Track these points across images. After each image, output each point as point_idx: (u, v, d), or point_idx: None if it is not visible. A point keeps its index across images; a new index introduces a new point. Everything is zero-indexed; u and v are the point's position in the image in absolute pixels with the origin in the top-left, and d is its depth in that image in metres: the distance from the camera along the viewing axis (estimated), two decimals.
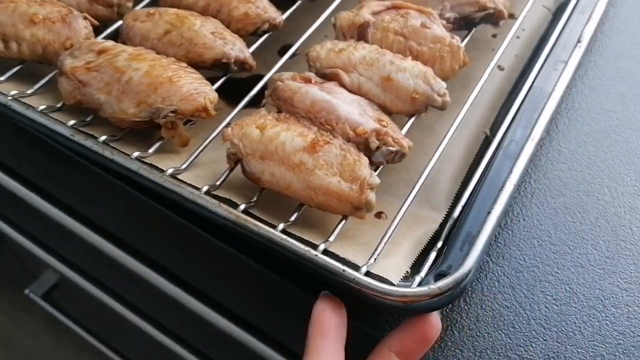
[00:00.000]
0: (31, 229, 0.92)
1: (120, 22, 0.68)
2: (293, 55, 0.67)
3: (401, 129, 0.58)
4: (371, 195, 0.50)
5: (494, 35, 0.76)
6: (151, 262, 0.68)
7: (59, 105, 0.60)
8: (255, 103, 0.63)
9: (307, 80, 0.59)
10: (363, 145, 0.53)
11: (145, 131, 0.58)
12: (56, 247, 0.91)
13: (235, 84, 0.65)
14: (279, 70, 0.64)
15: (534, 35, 0.77)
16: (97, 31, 0.67)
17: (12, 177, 0.75)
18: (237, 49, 0.62)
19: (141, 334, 0.87)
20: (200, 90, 0.57)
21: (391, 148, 0.53)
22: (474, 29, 0.69)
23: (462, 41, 0.66)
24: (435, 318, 0.46)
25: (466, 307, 0.54)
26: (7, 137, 0.70)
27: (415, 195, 0.53)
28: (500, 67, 0.72)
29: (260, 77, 0.65)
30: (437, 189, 0.60)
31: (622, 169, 0.65)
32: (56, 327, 1.48)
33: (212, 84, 0.60)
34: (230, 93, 0.65)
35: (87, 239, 0.72)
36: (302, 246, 0.48)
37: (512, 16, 0.80)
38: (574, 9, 0.70)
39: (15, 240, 0.94)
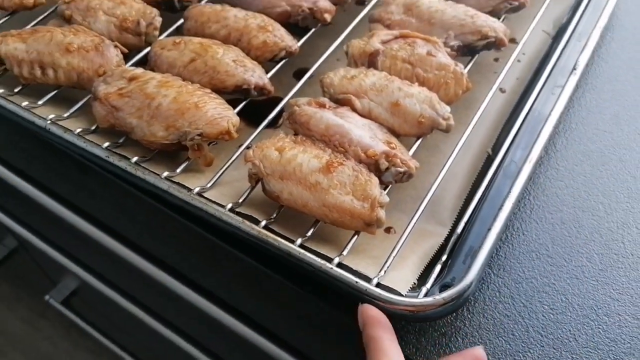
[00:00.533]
0: (55, 238, 0.97)
1: (148, 49, 0.73)
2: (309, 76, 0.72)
3: (409, 149, 0.63)
4: (381, 213, 0.55)
5: (496, 59, 0.81)
6: (174, 271, 0.73)
7: (93, 128, 0.65)
8: (273, 123, 0.68)
9: (322, 105, 0.63)
10: (374, 166, 0.58)
11: (173, 152, 0.64)
12: (78, 254, 0.96)
13: (254, 106, 0.70)
14: (295, 94, 0.69)
15: (534, 58, 0.82)
16: (126, 58, 0.72)
17: (39, 189, 0.79)
18: (256, 75, 0.67)
19: (160, 338, 0.91)
20: (223, 115, 0.62)
21: (399, 169, 0.58)
22: (476, 55, 0.73)
23: (465, 66, 0.71)
24: (481, 352, 0.49)
25: (469, 316, 0.58)
26: (31, 148, 0.74)
27: (422, 212, 0.57)
28: (502, 90, 0.77)
29: (278, 99, 0.70)
30: (442, 206, 0.64)
31: (616, 187, 0.69)
32: (73, 332, 1.54)
33: (234, 106, 0.65)
34: (250, 115, 0.70)
35: (114, 249, 0.77)
36: (318, 260, 0.52)
37: (513, 41, 0.85)
38: (571, 35, 0.74)
39: (38, 247, 0.98)
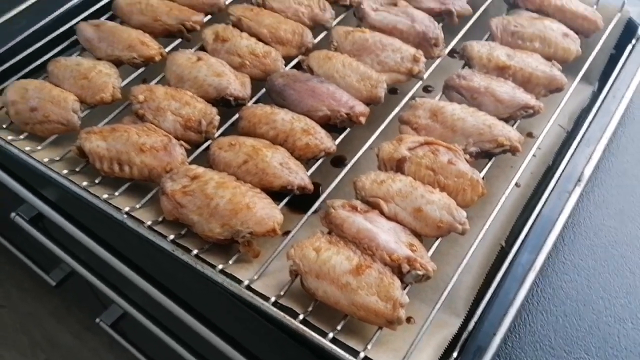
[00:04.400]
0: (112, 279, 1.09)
1: (208, 143, 0.85)
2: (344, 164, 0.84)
3: (429, 247, 0.73)
4: (402, 313, 0.65)
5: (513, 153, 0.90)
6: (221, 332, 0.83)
7: (160, 219, 0.78)
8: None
9: (354, 208, 0.74)
10: (397, 268, 0.68)
11: (225, 244, 0.75)
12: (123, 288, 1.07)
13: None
14: (330, 179, 0.80)
15: (549, 153, 0.91)
16: (188, 151, 0.84)
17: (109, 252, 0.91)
18: (299, 177, 0.78)
19: None
20: (270, 215, 0.73)
21: (419, 272, 0.68)
22: (494, 158, 0.83)
23: (483, 168, 0.80)
24: None
25: None
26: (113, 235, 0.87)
27: (440, 305, 0.67)
28: (517, 184, 0.85)
29: (316, 184, 0.81)
30: (457, 296, 0.74)
31: (616, 282, 0.77)
32: (116, 345, 1.66)
33: (280, 198, 0.77)
34: (291, 203, 0.81)
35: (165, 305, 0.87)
36: (346, 354, 0.63)
37: (530, 135, 0.94)
38: (580, 141, 0.83)
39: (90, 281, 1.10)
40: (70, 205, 0.87)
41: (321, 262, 0.68)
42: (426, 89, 1.04)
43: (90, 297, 1.46)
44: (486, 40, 0.99)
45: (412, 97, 0.93)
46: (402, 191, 0.74)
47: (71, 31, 1.05)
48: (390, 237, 0.71)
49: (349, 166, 0.83)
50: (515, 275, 0.70)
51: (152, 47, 0.97)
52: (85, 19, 1.06)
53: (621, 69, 0.95)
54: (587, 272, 0.78)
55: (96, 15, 1.09)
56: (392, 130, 0.89)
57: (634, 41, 1.00)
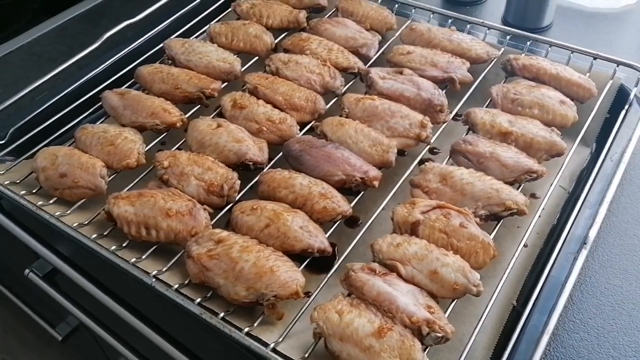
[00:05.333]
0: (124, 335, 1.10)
1: (230, 206, 0.90)
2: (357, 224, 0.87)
3: (446, 309, 0.76)
4: None
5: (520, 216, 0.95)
6: None
7: (186, 282, 0.81)
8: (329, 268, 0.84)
9: (372, 270, 0.78)
10: (417, 331, 0.71)
11: (249, 307, 0.78)
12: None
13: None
14: (344, 238, 0.83)
15: (552, 213, 0.96)
16: (210, 214, 0.88)
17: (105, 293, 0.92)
18: (319, 240, 0.82)
19: None
20: (293, 278, 0.77)
21: (438, 334, 0.71)
22: (502, 220, 0.87)
23: (492, 229, 0.84)
24: None
25: None
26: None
27: None
28: (525, 245, 0.89)
29: (332, 244, 0.86)
30: (473, 357, 0.77)
31: (625, 341, 0.80)
32: None
33: (301, 260, 0.81)
34: (308, 264, 0.84)
35: None
36: None
37: (533, 196, 0.99)
38: (583, 203, 0.88)
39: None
40: (88, 263, 0.90)
41: (344, 325, 0.71)
42: (432, 151, 1.10)
43: (97, 352, 1.46)
44: (487, 106, 1.06)
45: (421, 161, 0.98)
46: (418, 254, 0.78)
47: (95, 98, 1.10)
48: (409, 299, 0.74)
49: (364, 228, 0.87)
50: (530, 337, 0.74)
51: (173, 115, 1.03)
52: (108, 87, 1.12)
53: (616, 133, 1.01)
54: (596, 331, 0.81)
55: (118, 82, 1.15)
56: (402, 192, 0.93)
57: (626, 106, 1.07)
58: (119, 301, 0.86)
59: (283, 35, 1.26)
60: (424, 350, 0.71)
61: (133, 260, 0.82)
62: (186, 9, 1.33)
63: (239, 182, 0.92)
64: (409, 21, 1.28)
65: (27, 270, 1.04)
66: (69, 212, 0.91)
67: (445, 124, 1.05)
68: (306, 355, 0.72)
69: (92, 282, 0.89)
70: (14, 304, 1.38)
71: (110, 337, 1.02)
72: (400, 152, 1.08)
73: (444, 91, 1.09)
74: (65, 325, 1.43)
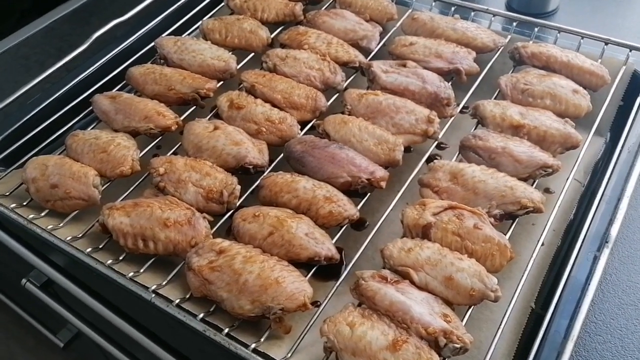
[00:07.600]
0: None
1: (230, 213, 0.85)
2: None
3: (462, 316, 0.72)
4: None
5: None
6: None
7: (187, 296, 0.76)
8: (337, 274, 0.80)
9: (384, 278, 0.73)
10: (433, 342, 0.67)
11: (255, 320, 0.74)
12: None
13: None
14: (351, 242, 0.78)
15: (568, 208, 0.91)
16: (210, 222, 0.84)
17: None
18: (326, 248, 0.78)
19: None
20: (300, 289, 0.73)
21: (456, 345, 0.67)
22: (517, 219, 0.83)
23: (507, 229, 0.80)
24: None
25: None
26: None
27: None
28: (542, 244, 0.85)
29: (339, 249, 0.82)
30: None
31: None
32: None
33: (308, 270, 0.76)
34: (316, 272, 0.80)
35: None
36: None
37: (547, 190, 0.94)
38: (600, 199, 0.83)
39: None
40: (85, 274, 0.86)
41: (357, 339, 0.67)
42: (439, 146, 1.05)
43: (99, 359, 1.43)
44: (496, 97, 1.01)
45: (429, 158, 0.94)
46: (431, 259, 0.74)
47: (86, 102, 1.05)
48: (424, 308, 0.70)
49: (373, 231, 0.83)
50: (552, 344, 0.70)
51: (168, 117, 0.98)
52: (99, 90, 1.07)
53: (632, 122, 0.97)
54: (620, 332, 0.77)
55: (109, 85, 1.10)
56: (410, 191, 0.89)
57: None
58: (119, 313, 0.82)
59: (279, 29, 1.21)
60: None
61: (130, 274, 0.78)
62: (177, 5, 1.28)
63: (239, 187, 0.87)
64: (410, 10, 1.22)
65: (24, 280, 1.00)
66: (61, 224, 0.87)
67: (452, 117, 1.01)
68: None
69: (89, 293, 0.84)
70: (13, 310, 1.34)
71: (111, 346, 0.98)
72: (406, 149, 1.03)
73: (449, 83, 1.04)
74: (67, 332, 1.39)
